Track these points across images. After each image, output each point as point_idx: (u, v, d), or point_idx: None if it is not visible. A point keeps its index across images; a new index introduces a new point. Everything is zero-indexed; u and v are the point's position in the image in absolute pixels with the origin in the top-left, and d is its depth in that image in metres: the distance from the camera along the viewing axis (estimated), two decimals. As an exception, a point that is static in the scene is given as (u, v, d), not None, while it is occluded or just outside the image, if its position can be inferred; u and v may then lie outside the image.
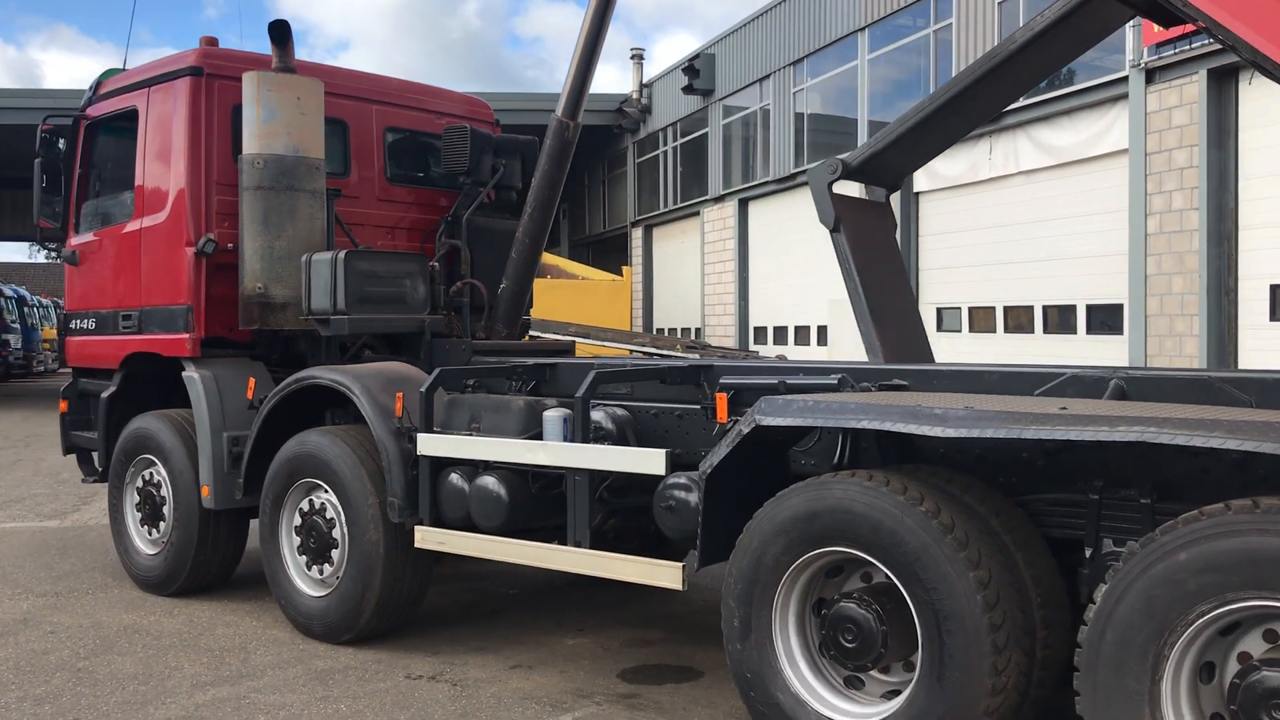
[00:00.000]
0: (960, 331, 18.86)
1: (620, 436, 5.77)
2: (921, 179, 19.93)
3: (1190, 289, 13.82)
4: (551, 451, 5.45)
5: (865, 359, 5.99)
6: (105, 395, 8.05)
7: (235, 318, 7.46)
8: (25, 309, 38.02)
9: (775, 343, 25.56)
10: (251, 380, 7.19)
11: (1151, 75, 14.38)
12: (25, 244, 76.20)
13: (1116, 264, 15.36)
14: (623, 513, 5.77)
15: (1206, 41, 13.33)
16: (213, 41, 8.05)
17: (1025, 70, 5.68)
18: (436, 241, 8.19)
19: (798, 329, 24.66)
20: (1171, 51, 13.88)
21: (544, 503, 5.71)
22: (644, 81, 32.20)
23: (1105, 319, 15.83)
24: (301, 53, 7.76)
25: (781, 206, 25.23)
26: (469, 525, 5.93)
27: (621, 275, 27.53)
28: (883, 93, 21.42)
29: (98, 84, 8.37)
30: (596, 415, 5.81)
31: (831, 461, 5.07)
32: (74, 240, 8.44)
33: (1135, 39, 14.47)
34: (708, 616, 7.10)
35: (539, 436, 5.71)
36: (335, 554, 6.41)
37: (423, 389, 6.07)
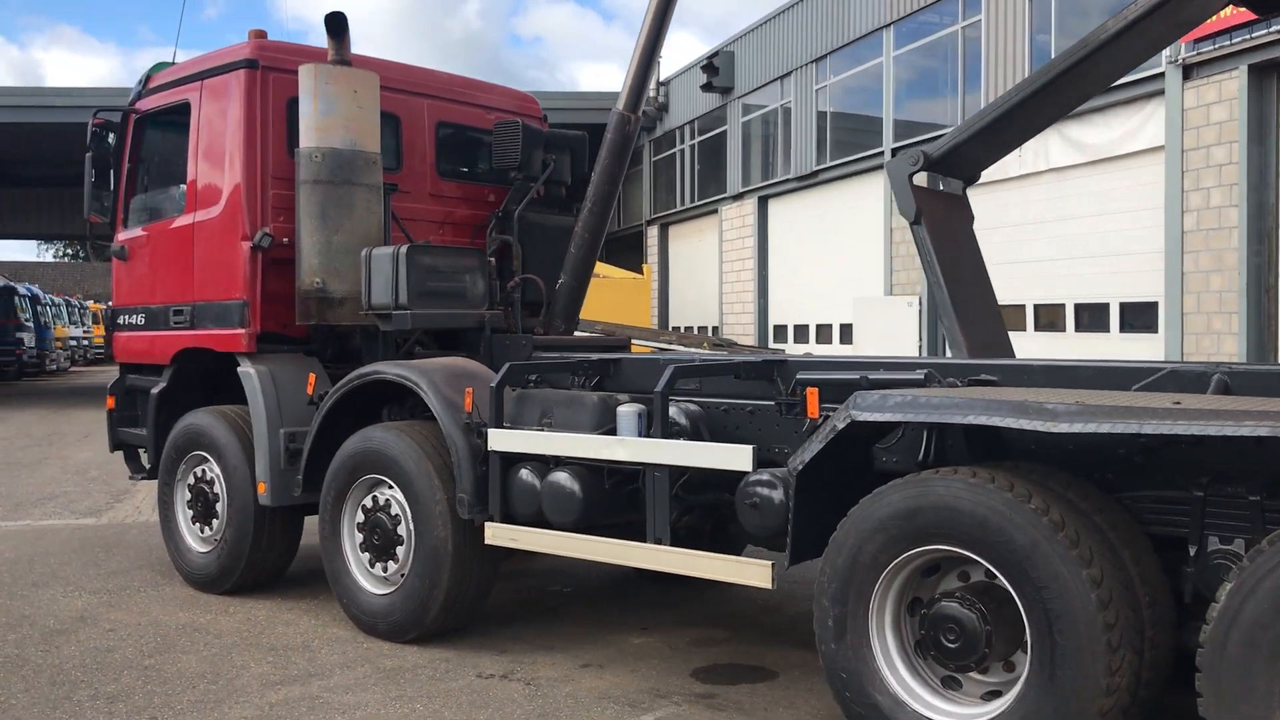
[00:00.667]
0: (988, 330, 18.74)
1: (695, 432, 5.69)
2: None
3: (1229, 287, 13.71)
4: (631, 447, 5.37)
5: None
6: (155, 391, 7.98)
7: (290, 313, 7.39)
8: (39, 308, 37.99)
9: (796, 340, 25.48)
10: (312, 376, 7.13)
11: (1189, 71, 14.28)
12: (34, 243, 76.42)
13: (1151, 262, 15.25)
14: (697, 509, 5.70)
15: (1248, 36, 13.25)
16: (262, 34, 7.99)
17: (1116, 60, 5.58)
18: (487, 237, 8.12)
19: (819, 327, 24.57)
20: (1211, 47, 13.77)
21: (618, 499, 5.64)
22: (660, 79, 32.11)
23: (1139, 317, 15.73)
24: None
25: (803, 205, 25.15)
26: (539, 521, 5.87)
27: (641, 273, 27.46)
28: (908, 90, 21.32)
29: (147, 78, 8.30)
30: (670, 411, 5.73)
31: (915, 459, 5.01)
32: (122, 235, 8.37)
33: (1172, 35, 14.35)
34: (770, 615, 7.03)
35: (613, 431, 5.64)
36: (400, 551, 6.34)
37: (493, 384, 6.00)
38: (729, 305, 28.38)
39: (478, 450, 6.04)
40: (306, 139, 7.17)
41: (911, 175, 5.80)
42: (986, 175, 18.48)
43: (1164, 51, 14.63)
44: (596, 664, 6.00)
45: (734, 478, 5.18)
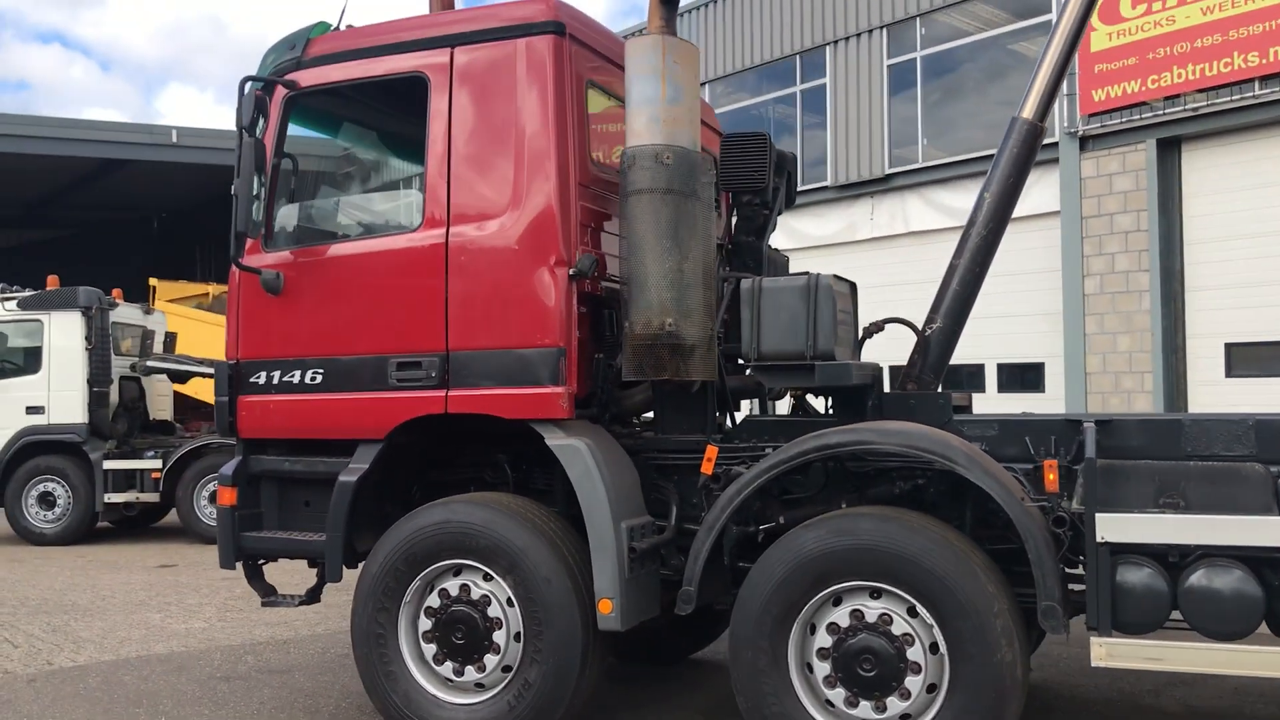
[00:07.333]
0: (832, 391, 18.67)
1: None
2: (780, 238, 19.67)
3: (1139, 347, 14.40)
4: None
5: None
6: (352, 480, 5.61)
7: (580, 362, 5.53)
8: None
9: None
10: (712, 449, 5.26)
11: (1085, 142, 14.99)
12: None
13: (1035, 324, 15.80)
14: None
15: (1161, 113, 14.10)
16: (448, 1, 6.07)
17: None
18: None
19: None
20: (1117, 121, 14.54)
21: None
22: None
23: (1022, 377, 16.21)
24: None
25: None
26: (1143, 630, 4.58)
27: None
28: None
29: (306, 42, 5.96)
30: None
31: None
32: (268, 258, 5.91)
33: (1069, 107, 15.05)
34: None
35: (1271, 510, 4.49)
36: (913, 684, 4.70)
37: (1089, 454, 4.61)
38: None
39: (1057, 542, 4.62)
40: (648, 134, 5.38)
41: None
42: (833, 238, 18.48)
43: (1059, 122, 15.33)
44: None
45: None
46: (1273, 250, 13.49)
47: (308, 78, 5.92)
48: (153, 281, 21.96)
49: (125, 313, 15.51)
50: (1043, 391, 15.85)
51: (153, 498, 14.51)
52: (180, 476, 14.44)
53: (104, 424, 14.59)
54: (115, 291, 15.37)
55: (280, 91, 5.90)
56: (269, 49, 6.08)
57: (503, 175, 5.44)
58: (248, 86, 5.67)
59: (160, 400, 16.16)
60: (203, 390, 17.21)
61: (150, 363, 15.61)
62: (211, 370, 15.13)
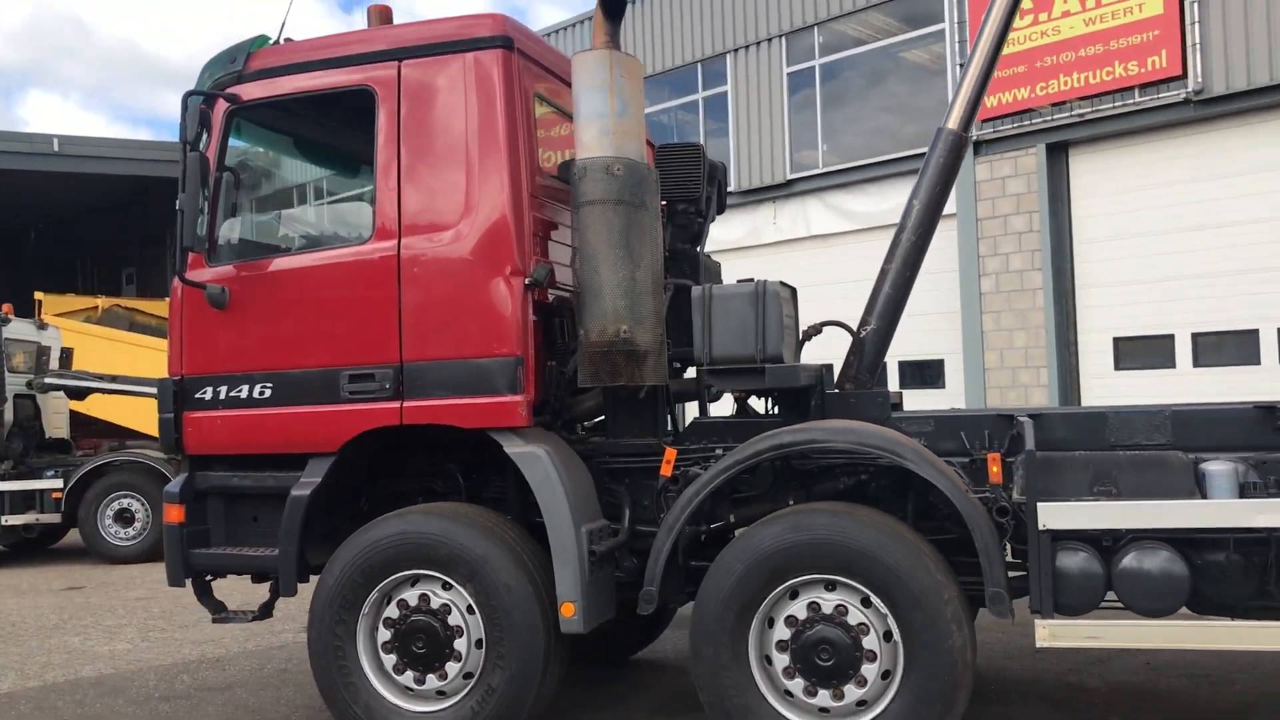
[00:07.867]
0: (738, 392, 19.02)
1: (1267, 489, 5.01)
2: (684, 242, 19.98)
3: (1034, 343, 15.03)
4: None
5: None
6: (305, 493, 5.62)
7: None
8: None
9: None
10: (671, 452, 5.40)
11: (979, 147, 15.56)
12: None
13: (933, 322, 16.33)
14: None
15: (1050, 119, 14.74)
16: (387, 16, 6.14)
17: None
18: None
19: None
20: (1009, 126, 15.14)
21: (1224, 575, 4.82)
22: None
23: (922, 374, 16.74)
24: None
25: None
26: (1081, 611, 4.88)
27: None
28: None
29: (246, 55, 5.93)
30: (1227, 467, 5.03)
31: None
32: (212, 272, 5.86)
33: (963, 113, 15.59)
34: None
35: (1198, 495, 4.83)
36: (869, 671, 4.91)
37: (1028, 447, 4.89)
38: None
39: (1001, 531, 4.89)
40: (599, 146, 5.51)
41: None
42: (739, 242, 18.82)
43: (953, 128, 15.86)
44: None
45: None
46: (1155, 249, 14.22)
47: (249, 91, 5.90)
48: (38, 295, 21.19)
49: (18, 328, 15.02)
50: (943, 387, 16.41)
51: (54, 518, 14.09)
52: (82, 496, 14.05)
53: (-1, 444, 14.13)
54: (6, 306, 14.87)
55: (221, 105, 5.88)
56: (206, 63, 6.04)
57: (454, 187, 5.51)
58: (190, 101, 5.63)
59: (56, 418, 15.68)
60: (95, 407, 16.71)
61: (49, 379, 15.13)
62: (114, 386, 14.82)
